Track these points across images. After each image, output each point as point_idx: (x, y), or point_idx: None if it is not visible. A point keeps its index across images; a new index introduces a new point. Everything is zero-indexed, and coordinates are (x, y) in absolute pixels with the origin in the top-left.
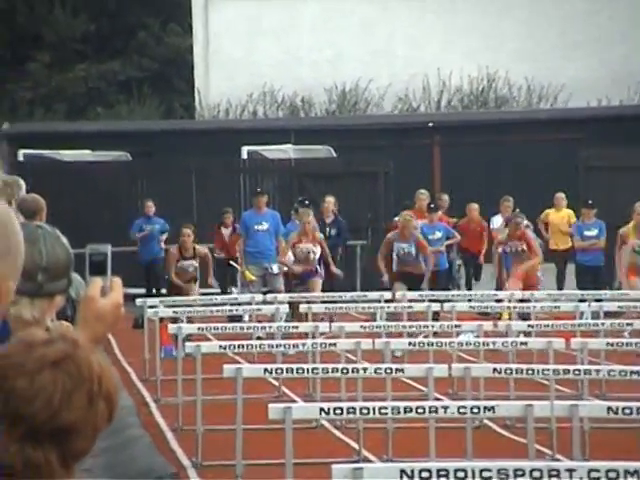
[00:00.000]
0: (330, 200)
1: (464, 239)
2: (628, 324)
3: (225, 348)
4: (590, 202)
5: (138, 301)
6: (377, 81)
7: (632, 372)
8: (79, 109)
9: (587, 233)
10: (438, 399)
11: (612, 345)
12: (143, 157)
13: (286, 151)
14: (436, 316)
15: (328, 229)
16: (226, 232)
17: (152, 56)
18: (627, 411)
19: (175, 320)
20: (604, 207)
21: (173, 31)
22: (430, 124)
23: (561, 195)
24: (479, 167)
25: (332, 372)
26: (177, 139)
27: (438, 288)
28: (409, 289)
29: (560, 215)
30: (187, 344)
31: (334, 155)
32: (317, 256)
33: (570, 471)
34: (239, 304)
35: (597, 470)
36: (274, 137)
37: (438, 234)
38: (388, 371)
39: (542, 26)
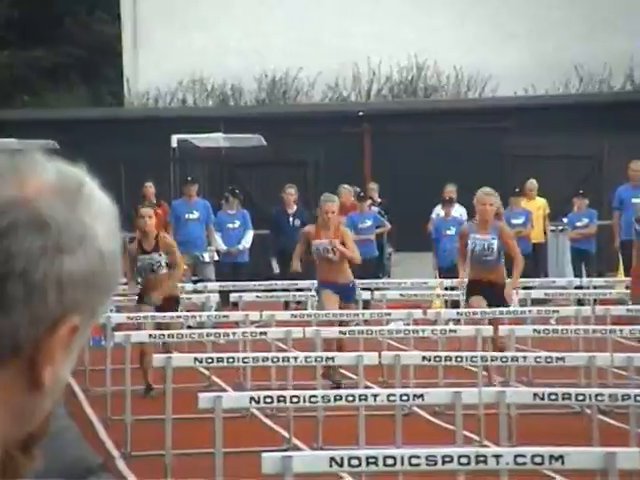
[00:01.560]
0: (291, 191)
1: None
2: (554, 311)
3: (155, 337)
4: (581, 192)
5: None
6: (307, 70)
7: (558, 359)
8: (4, 97)
9: (579, 224)
10: (368, 387)
11: (539, 332)
12: (70, 146)
13: (216, 140)
14: (366, 304)
15: (292, 220)
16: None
17: (79, 43)
18: (553, 397)
19: None
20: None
21: (101, 19)
22: (360, 113)
23: (532, 181)
24: (409, 156)
25: (262, 361)
26: (105, 127)
27: (368, 276)
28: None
29: (537, 205)
30: (116, 333)
31: (264, 144)
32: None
33: (497, 457)
34: None
35: (523, 455)
36: (204, 126)
37: (368, 222)
38: (318, 359)
39: (473, 16)
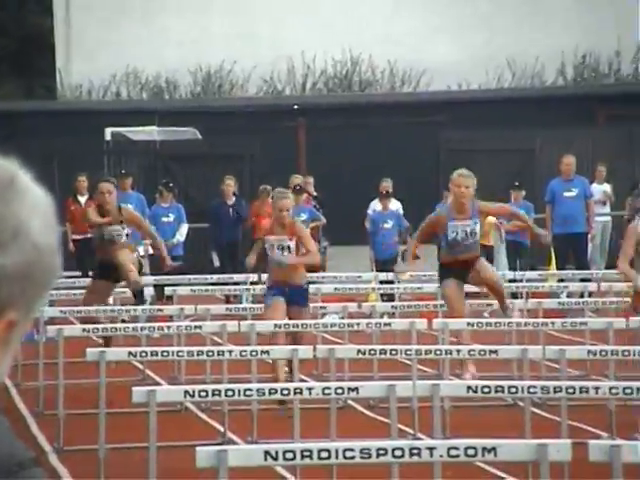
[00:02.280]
0: (230, 182)
1: None
2: (488, 304)
3: (88, 331)
4: (517, 184)
5: None
6: (241, 63)
7: (491, 351)
8: None
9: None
10: (303, 380)
11: (472, 325)
12: (2, 139)
13: (150, 133)
14: None
15: (231, 211)
16: (82, 200)
17: (10, 35)
18: (486, 390)
19: None
20: None
21: (32, 10)
22: (295, 107)
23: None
24: (344, 150)
25: (197, 355)
26: (38, 120)
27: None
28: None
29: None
30: (49, 327)
31: (199, 137)
32: (290, 255)
33: (430, 449)
34: None
35: (456, 448)
36: (138, 119)
37: (303, 216)
38: (253, 353)
39: (406, 9)
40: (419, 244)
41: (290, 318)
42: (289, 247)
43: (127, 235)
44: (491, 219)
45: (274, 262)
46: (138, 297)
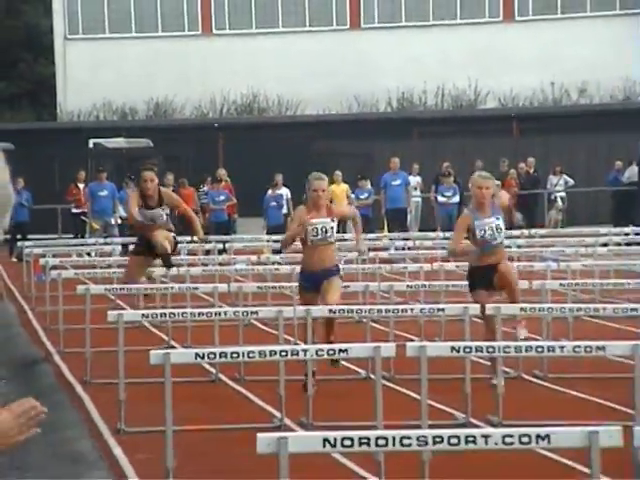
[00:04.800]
0: (170, 177)
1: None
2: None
3: (78, 275)
4: (360, 176)
5: (19, 243)
6: (180, 96)
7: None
8: None
9: (446, 193)
10: (220, 306)
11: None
12: (21, 147)
13: (119, 143)
14: (220, 252)
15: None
16: (81, 186)
17: (27, 80)
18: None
19: (43, 256)
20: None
21: (41, 63)
22: (216, 125)
23: (338, 173)
24: (250, 155)
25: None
26: (45, 135)
27: (221, 234)
28: None
29: (341, 188)
30: (52, 272)
31: (152, 145)
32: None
33: (304, 351)
34: (88, 244)
35: (321, 350)
36: (111, 133)
37: (222, 197)
38: (186, 289)
39: (289, 59)
40: (461, 244)
41: (323, 290)
42: (332, 228)
43: (167, 215)
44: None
45: (313, 243)
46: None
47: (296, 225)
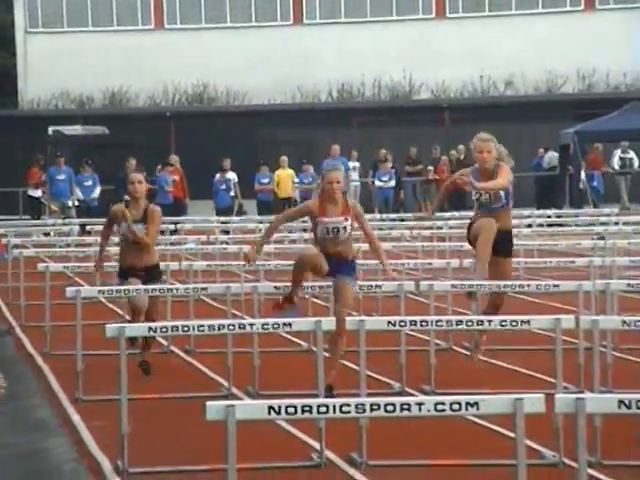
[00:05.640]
0: (133, 162)
1: None
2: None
3: (39, 253)
4: (305, 161)
5: None
6: (134, 86)
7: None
8: None
9: (383, 178)
10: (172, 284)
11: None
12: None
13: (76, 130)
14: (173, 233)
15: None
16: (39, 173)
17: None
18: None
19: (5, 235)
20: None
21: (4, 55)
22: (167, 114)
23: (284, 158)
24: (199, 142)
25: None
26: (7, 122)
27: (173, 216)
28: None
29: (286, 173)
30: (14, 250)
31: (107, 132)
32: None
33: (251, 324)
34: (47, 225)
35: (267, 324)
36: (69, 121)
37: (170, 180)
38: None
39: (237, 52)
40: (442, 199)
41: (336, 290)
42: (345, 228)
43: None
44: None
45: (326, 237)
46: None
47: (292, 212)
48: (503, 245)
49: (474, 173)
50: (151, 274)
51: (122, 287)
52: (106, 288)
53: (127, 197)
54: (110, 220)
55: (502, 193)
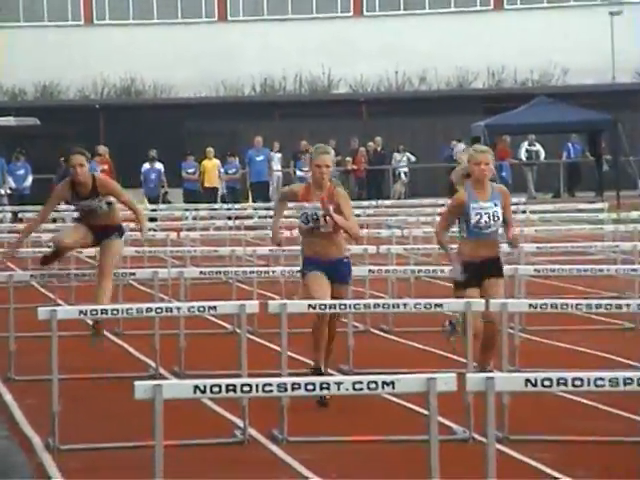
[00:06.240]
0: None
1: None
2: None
3: None
4: (230, 153)
5: None
6: (65, 79)
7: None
8: None
9: (303, 168)
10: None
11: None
12: None
13: (9, 121)
14: None
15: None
16: None
17: None
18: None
19: None
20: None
21: None
22: (97, 106)
23: (210, 149)
24: (127, 133)
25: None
26: None
27: None
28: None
29: (212, 163)
30: None
31: (39, 124)
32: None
33: (178, 309)
34: None
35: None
36: (1, 113)
37: (97, 170)
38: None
39: (158, 49)
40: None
41: (333, 297)
42: (325, 217)
43: (109, 204)
44: None
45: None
46: None
47: (282, 193)
48: (492, 267)
49: (470, 192)
50: (107, 232)
51: (53, 272)
52: (38, 272)
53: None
54: (52, 201)
55: (500, 216)
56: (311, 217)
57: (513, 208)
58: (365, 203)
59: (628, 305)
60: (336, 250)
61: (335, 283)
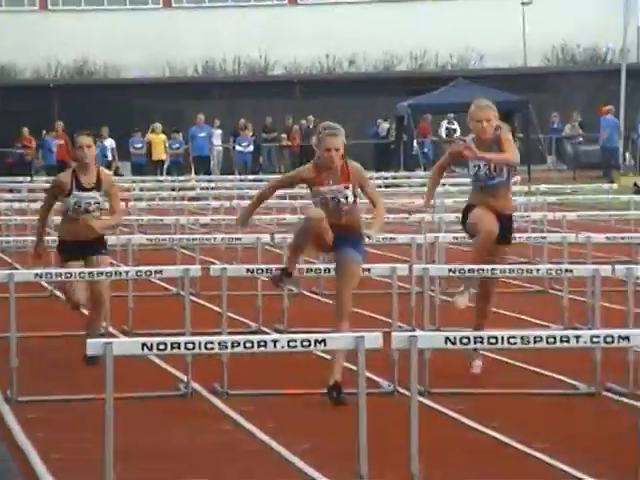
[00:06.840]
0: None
1: None
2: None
3: None
4: (175, 129)
5: None
6: (23, 60)
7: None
8: None
9: (242, 143)
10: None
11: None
12: None
13: None
14: None
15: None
16: None
17: None
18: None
19: None
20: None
21: None
22: (51, 85)
23: (158, 125)
24: (81, 111)
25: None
26: None
27: None
28: None
29: (159, 138)
30: None
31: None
32: (350, 203)
33: (125, 273)
34: None
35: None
36: None
37: (55, 144)
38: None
39: (119, 32)
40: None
41: (339, 267)
42: (347, 197)
43: (98, 204)
44: None
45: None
46: None
47: (286, 178)
48: (503, 234)
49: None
50: (96, 245)
51: (10, 238)
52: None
53: (73, 163)
54: (53, 191)
55: (504, 168)
56: (331, 200)
57: (420, 181)
58: None
59: (538, 270)
60: (349, 225)
61: (339, 252)
